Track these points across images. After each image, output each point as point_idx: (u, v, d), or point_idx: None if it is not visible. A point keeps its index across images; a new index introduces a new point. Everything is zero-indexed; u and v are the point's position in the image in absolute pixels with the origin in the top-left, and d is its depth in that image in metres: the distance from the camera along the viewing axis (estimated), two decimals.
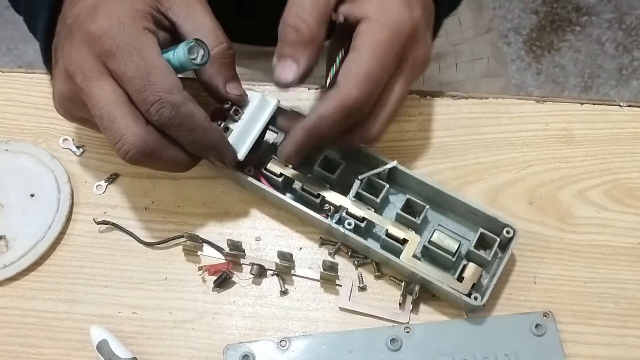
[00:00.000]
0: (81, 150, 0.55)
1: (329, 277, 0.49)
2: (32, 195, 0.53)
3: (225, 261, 0.50)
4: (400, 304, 0.48)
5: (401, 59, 0.46)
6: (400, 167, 0.50)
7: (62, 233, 0.52)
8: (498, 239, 0.47)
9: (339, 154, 0.50)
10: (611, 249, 0.50)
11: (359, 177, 0.49)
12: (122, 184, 0.54)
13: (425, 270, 0.46)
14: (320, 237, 0.51)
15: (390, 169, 0.50)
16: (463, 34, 0.77)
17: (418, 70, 0.48)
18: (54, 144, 0.56)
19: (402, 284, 0.48)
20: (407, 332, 0.46)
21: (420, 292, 0.47)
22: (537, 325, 0.46)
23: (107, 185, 0.54)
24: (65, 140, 0.56)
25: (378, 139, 0.48)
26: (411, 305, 0.48)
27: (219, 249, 0.50)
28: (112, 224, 0.52)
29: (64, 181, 0.53)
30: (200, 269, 0.50)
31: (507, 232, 0.47)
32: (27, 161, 0.54)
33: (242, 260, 0.50)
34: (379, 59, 0.44)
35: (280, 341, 0.46)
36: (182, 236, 0.50)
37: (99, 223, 0.52)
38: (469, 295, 0.45)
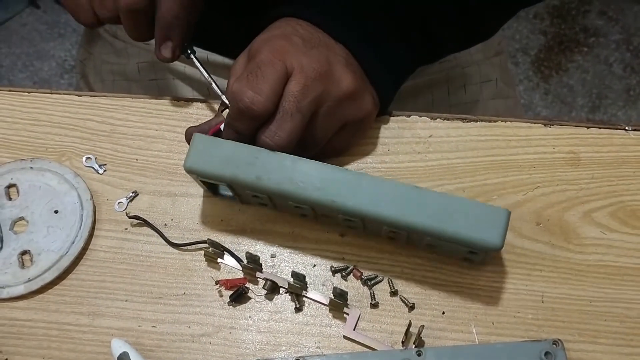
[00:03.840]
0: (103, 168, 0.57)
1: (337, 305, 0.50)
2: (56, 212, 0.55)
3: (241, 276, 0.52)
4: (403, 342, 0.49)
5: (286, 67, 0.50)
6: None
7: (85, 248, 0.53)
8: None
9: None
10: (617, 269, 0.52)
11: None
12: (142, 201, 0.56)
13: None
14: (332, 266, 0.52)
15: None
16: (472, 57, 0.78)
17: (308, 75, 0.50)
18: (77, 162, 0.58)
19: (407, 324, 0.48)
20: (419, 355, 0.47)
21: (424, 332, 0.48)
22: (546, 353, 0.46)
23: (128, 203, 0.56)
24: (88, 158, 0.58)
25: (285, 140, 0.49)
26: (414, 345, 0.49)
27: (238, 259, 0.52)
28: (142, 219, 0.54)
29: (87, 198, 0.55)
30: (217, 283, 0.51)
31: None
32: (51, 179, 0.56)
33: (258, 275, 0.52)
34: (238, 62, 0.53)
35: None
36: (205, 241, 0.52)
37: (130, 217, 0.54)
38: None
